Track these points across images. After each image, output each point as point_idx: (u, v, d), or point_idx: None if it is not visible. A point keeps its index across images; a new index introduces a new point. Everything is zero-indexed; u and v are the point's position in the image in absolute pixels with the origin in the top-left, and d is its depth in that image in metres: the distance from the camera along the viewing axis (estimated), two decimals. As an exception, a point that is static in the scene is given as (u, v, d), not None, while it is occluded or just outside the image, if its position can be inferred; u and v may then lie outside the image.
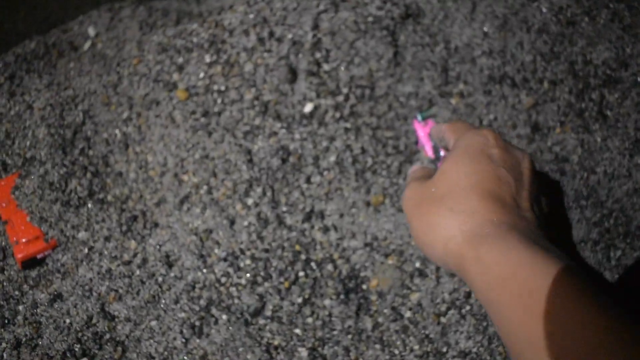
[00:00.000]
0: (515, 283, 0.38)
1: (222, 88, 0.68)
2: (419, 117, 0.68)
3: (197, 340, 0.61)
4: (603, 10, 0.80)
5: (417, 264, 0.64)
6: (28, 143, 0.72)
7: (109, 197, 0.69)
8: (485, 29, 0.75)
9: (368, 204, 0.66)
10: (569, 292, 0.36)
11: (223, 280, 0.64)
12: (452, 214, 0.44)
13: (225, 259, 0.64)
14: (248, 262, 0.64)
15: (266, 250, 0.64)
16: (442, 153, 0.62)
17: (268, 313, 0.62)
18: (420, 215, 0.46)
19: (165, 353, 0.61)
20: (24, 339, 0.62)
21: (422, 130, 0.67)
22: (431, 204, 0.46)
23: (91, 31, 0.82)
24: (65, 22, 0.93)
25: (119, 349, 0.61)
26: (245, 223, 0.65)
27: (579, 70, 0.77)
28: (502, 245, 0.41)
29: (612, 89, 0.77)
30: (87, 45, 0.81)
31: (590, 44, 0.78)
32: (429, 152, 0.66)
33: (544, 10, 0.77)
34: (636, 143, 0.74)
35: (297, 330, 0.62)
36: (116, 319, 0.63)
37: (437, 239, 0.44)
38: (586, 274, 0.39)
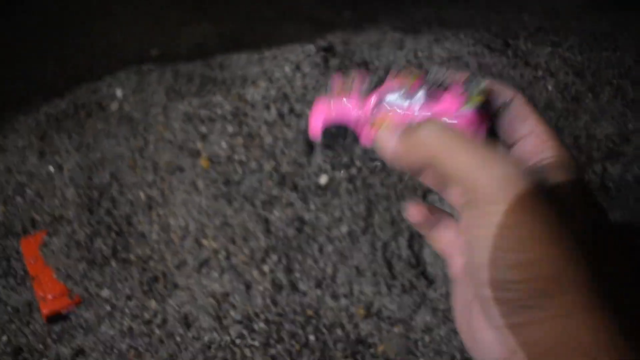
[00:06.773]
0: None
1: (243, 158, 0.73)
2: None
3: (212, 402, 0.64)
4: (606, 87, 0.84)
5: (422, 333, 0.67)
6: (57, 202, 0.77)
7: (132, 257, 0.72)
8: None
9: (375, 273, 0.69)
10: None
11: (238, 341, 0.67)
12: None
13: (240, 322, 0.67)
14: (262, 325, 0.67)
15: (279, 314, 0.68)
16: None
17: (280, 376, 0.65)
18: None
19: (181, 413, 0.64)
20: (47, 395, 0.65)
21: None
22: None
23: (119, 93, 0.87)
24: (94, 78, 0.98)
25: (137, 407, 0.64)
26: (261, 288, 0.68)
27: (583, 144, 0.80)
28: None
29: (614, 162, 0.80)
30: (114, 106, 0.86)
31: (594, 119, 0.82)
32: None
33: (550, 87, 0.81)
34: (636, 215, 0.77)
35: (307, 395, 0.65)
36: (135, 378, 0.66)
37: None
38: None
